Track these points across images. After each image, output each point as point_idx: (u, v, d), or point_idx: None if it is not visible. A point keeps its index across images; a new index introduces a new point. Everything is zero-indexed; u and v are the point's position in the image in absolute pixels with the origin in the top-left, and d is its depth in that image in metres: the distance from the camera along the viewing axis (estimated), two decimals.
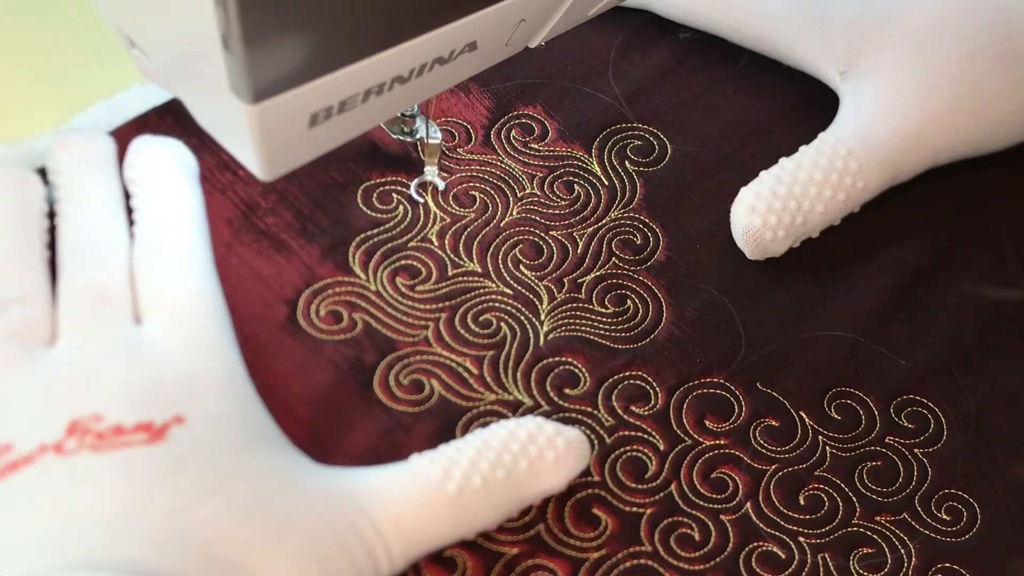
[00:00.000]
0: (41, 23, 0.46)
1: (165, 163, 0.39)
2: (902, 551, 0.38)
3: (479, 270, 0.41)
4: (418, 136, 0.42)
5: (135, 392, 0.33)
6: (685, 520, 0.37)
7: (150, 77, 0.32)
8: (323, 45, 0.27)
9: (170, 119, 0.42)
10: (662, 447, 0.38)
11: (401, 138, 0.42)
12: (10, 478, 0.31)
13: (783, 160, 0.43)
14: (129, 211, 0.39)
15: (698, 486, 0.38)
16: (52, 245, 0.38)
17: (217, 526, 0.31)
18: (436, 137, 0.41)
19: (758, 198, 0.42)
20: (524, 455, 0.35)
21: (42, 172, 0.39)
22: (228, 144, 0.31)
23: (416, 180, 0.43)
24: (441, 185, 0.43)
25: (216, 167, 0.42)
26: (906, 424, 0.40)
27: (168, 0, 0.27)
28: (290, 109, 0.28)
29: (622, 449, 0.38)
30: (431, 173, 0.42)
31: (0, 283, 0.35)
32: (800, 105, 0.47)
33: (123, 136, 0.41)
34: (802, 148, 0.43)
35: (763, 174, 0.42)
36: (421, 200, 0.42)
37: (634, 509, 0.37)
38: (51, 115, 0.44)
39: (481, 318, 0.40)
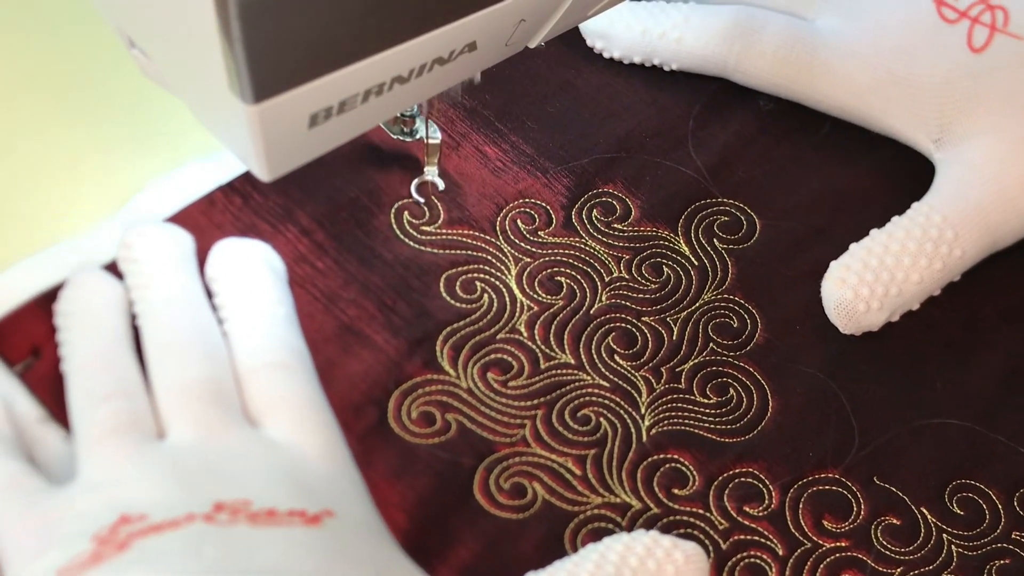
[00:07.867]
0: (75, 101, 0.44)
1: (255, 266, 0.37)
2: None
3: (572, 362, 0.39)
4: (418, 136, 0.41)
5: (282, 484, 0.31)
6: None
7: (150, 77, 0.32)
8: (323, 45, 0.27)
9: (239, 200, 0.41)
10: (781, 552, 0.36)
11: (401, 138, 0.41)
12: (152, 538, 0.29)
13: (874, 231, 0.41)
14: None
15: None
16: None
17: None
18: (436, 137, 0.40)
19: (848, 270, 0.40)
20: (643, 570, 0.33)
21: (108, 266, 0.38)
22: (229, 144, 0.30)
23: (416, 181, 0.42)
24: (441, 185, 0.42)
25: (293, 260, 0.40)
26: None
27: (168, 1, 0.26)
28: (290, 109, 0.27)
29: (739, 555, 0.36)
30: (431, 173, 0.41)
31: (99, 378, 0.34)
32: (891, 170, 0.46)
33: (188, 218, 0.40)
34: (895, 218, 0.42)
35: (853, 246, 0.41)
36: (421, 200, 0.41)
37: None
38: (101, 202, 0.42)
39: (579, 414, 0.38)
